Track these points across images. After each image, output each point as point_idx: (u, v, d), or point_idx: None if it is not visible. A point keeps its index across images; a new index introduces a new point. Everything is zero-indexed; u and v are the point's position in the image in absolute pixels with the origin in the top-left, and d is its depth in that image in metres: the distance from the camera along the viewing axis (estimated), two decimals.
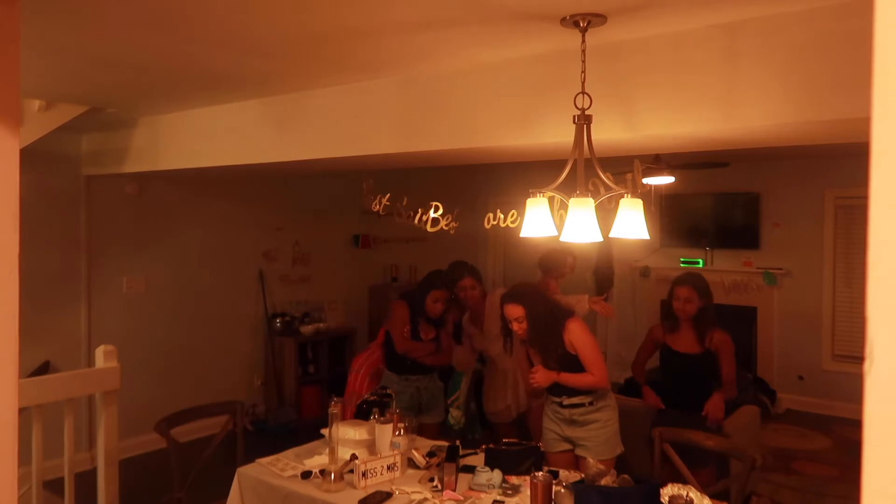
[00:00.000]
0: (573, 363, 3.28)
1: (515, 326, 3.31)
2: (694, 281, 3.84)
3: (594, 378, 3.25)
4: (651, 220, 2.32)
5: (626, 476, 2.73)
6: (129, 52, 2.77)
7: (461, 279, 4.21)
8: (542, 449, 3.21)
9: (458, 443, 3.16)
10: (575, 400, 3.32)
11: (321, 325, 6.62)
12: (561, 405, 3.35)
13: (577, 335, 3.28)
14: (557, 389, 3.34)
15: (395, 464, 2.94)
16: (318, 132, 3.57)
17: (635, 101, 2.54)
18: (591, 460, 2.94)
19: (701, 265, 7.12)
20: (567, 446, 3.38)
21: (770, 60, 2.25)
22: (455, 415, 4.39)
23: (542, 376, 3.28)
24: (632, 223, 2.24)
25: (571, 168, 2.29)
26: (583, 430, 3.32)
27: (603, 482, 2.69)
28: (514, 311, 3.29)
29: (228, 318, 6.15)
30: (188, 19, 2.33)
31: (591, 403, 3.31)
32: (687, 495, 2.52)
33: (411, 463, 3.05)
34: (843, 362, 6.38)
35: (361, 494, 2.76)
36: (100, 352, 3.25)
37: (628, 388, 5.08)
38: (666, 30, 2.42)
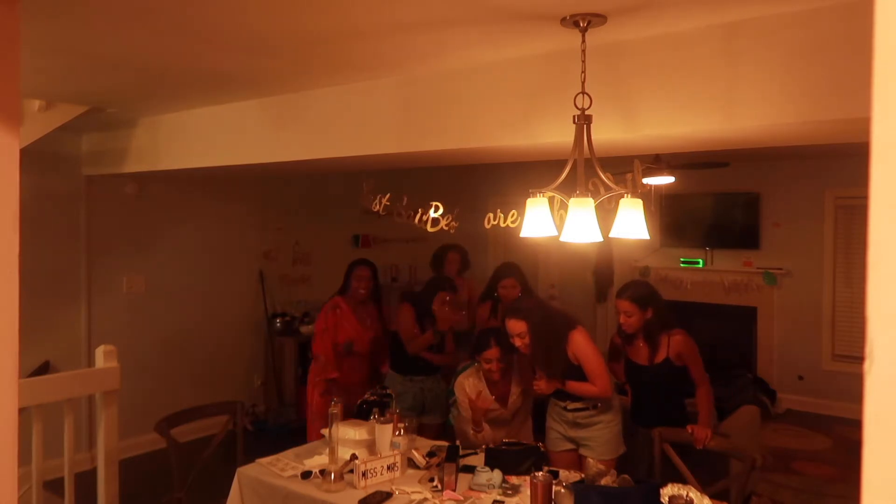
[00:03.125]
0: (577, 372, 3.27)
1: (517, 342, 3.27)
2: (633, 292, 3.52)
3: (597, 389, 3.24)
4: (651, 220, 2.32)
5: (626, 476, 2.73)
6: (130, 52, 2.77)
7: (504, 278, 4.44)
8: (543, 449, 3.21)
9: (458, 443, 3.16)
10: (579, 404, 3.32)
11: None
12: (565, 409, 3.36)
13: (580, 347, 3.26)
14: (562, 394, 3.35)
15: (395, 464, 2.94)
16: (318, 132, 3.57)
17: (635, 101, 2.54)
18: (591, 460, 2.94)
19: (701, 265, 7.12)
20: (570, 446, 3.39)
21: (770, 60, 2.25)
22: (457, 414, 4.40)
23: (545, 385, 3.29)
24: (632, 223, 2.24)
25: (571, 168, 2.29)
26: (586, 430, 3.33)
27: (603, 482, 2.69)
28: (517, 326, 3.25)
29: (228, 318, 6.15)
30: (188, 19, 2.33)
31: (594, 406, 3.31)
32: (687, 495, 2.52)
33: (411, 463, 3.05)
34: (843, 362, 6.38)
35: (361, 494, 2.76)
36: (100, 352, 3.25)
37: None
38: (666, 30, 2.42)
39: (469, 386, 3.55)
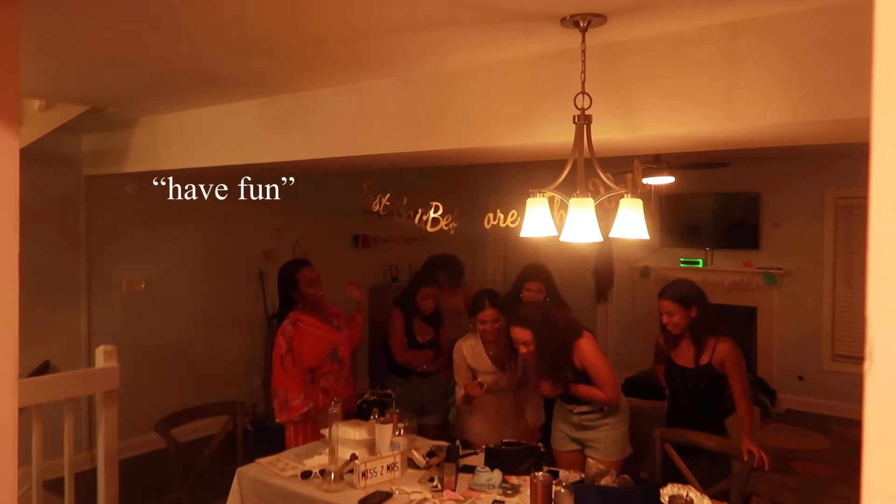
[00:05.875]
0: (584, 377, 3.28)
1: (523, 349, 3.28)
2: (675, 292, 3.40)
3: (606, 396, 3.24)
4: (651, 220, 2.32)
5: (626, 476, 2.73)
6: (130, 52, 2.77)
7: (530, 281, 4.19)
8: (543, 449, 3.20)
9: (458, 443, 3.16)
10: (585, 408, 3.32)
11: None
12: (571, 412, 3.36)
13: (587, 355, 3.25)
14: (568, 397, 3.35)
15: (395, 464, 2.94)
16: (318, 132, 3.57)
17: (635, 101, 2.54)
18: (591, 460, 2.94)
19: (701, 265, 7.12)
20: (576, 446, 3.39)
21: (770, 60, 2.25)
22: (455, 413, 4.41)
23: (550, 388, 3.31)
24: (632, 223, 2.24)
25: (571, 168, 2.29)
26: (592, 432, 3.33)
27: (603, 482, 2.70)
28: (522, 334, 3.26)
29: (228, 318, 6.15)
30: (188, 19, 2.33)
31: (601, 409, 3.31)
32: (687, 495, 2.52)
33: (411, 463, 3.05)
34: (843, 362, 6.38)
35: (361, 494, 2.76)
36: (100, 352, 3.25)
37: (627, 388, 5.08)
38: (666, 30, 2.42)
39: (467, 349, 3.60)
